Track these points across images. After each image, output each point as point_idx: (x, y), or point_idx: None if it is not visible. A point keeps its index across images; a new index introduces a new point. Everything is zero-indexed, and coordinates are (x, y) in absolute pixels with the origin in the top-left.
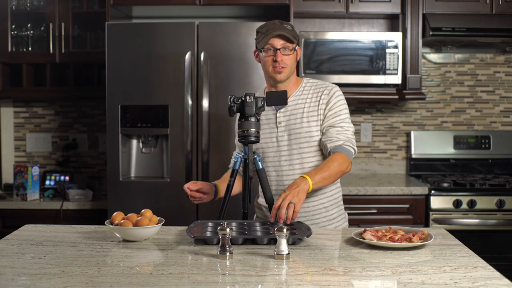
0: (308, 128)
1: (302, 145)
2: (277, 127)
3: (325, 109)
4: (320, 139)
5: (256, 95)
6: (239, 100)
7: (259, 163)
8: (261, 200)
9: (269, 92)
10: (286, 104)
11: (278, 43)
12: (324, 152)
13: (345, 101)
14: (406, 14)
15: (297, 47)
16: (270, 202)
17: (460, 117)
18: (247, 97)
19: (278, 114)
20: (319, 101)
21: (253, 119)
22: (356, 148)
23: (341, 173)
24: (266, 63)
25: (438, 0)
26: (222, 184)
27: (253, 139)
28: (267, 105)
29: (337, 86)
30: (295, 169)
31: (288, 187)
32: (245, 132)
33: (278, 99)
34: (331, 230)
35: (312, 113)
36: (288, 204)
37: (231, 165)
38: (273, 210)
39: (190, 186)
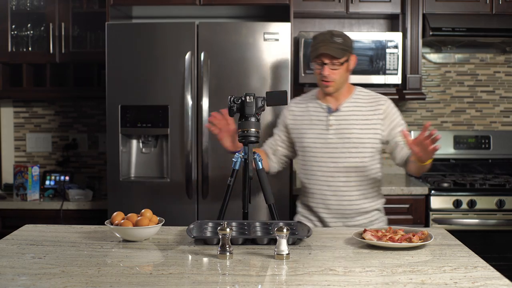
0: (359, 134)
1: (351, 150)
2: (327, 129)
3: (384, 121)
4: (377, 147)
5: (256, 95)
6: (239, 100)
7: (259, 163)
8: (304, 200)
9: (269, 92)
10: (286, 104)
11: (325, 59)
12: (397, 156)
13: (397, 110)
14: (406, 14)
15: (349, 58)
16: (270, 201)
17: (460, 117)
18: (247, 97)
19: (330, 117)
20: (376, 111)
21: (253, 119)
22: None
23: (424, 171)
24: (316, 75)
25: (438, 0)
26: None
27: (253, 139)
28: (267, 105)
29: (387, 98)
30: (340, 171)
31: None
32: (245, 132)
33: (278, 99)
34: (331, 230)
35: (368, 121)
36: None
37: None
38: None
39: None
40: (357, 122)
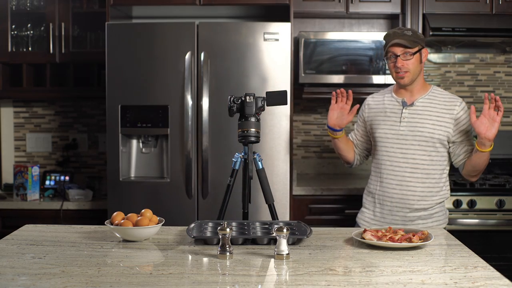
0: (432, 129)
1: (421, 143)
2: (400, 122)
3: (456, 121)
4: (445, 145)
5: (256, 95)
6: (239, 100)
7: (259, 163)
8: (371, 187)
9: (269, 92)
10: (286, 104)
11: (398, 50)
12: (459, 156)
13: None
14: (406, 14)
15: (422, 50)
16: (270, 201)
17: None
18: (247, 97)
19: (404, 110)
20: (450, 111)
21: (253, 119)
22: None
23: (479, 170)
24: (390, 70)
25: (438, 0)
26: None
27: (253, 139)
28: (267, 105)
29: (462, 100)
30: (408, 163)
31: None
32: (245, 132)
33: (278, 99)
34: (331, 230)
35: (440, 118)
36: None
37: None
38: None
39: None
40: (430, 118)
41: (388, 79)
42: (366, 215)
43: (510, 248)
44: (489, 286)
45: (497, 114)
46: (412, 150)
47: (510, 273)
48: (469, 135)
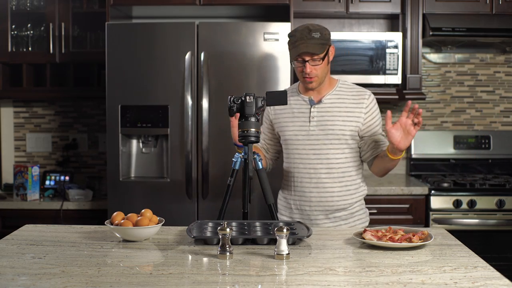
0: (342, 126)
1: (333, 141)
2: (309, 121)
3: (366, 115)
4: (357, 140)
5: (256, 95)
6: (239, 100)
7: (259, 163)
8: (285, 193)
9: (269, 92)
10: (286, 104)
11: (306, 56)
12: (367, 153)
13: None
14: (406, 14)
15: (329, 49)
16: (270, 201)
17: (460, 117)
18: (247, 97)
19: (312, 109)
20: (360, 105)
21: (253, 119)
22: None
23: (388, 170)
24: (297, 73)
25: (438, 0)
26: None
27: (253, 139)
28: (267, 105)
29: (371, 92)
30: (323, 163)
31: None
32: (245, 132)
33: (278, 99)
34: (331, 230)
35: (350, 113)
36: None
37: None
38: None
39: None
40: (339, 114)
41: (388, 79)
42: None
43: (510, 248)
44: (489, 286)
45: (414, 127)
46: (325, 149)
47: (510, 273)
48: (377, 131)
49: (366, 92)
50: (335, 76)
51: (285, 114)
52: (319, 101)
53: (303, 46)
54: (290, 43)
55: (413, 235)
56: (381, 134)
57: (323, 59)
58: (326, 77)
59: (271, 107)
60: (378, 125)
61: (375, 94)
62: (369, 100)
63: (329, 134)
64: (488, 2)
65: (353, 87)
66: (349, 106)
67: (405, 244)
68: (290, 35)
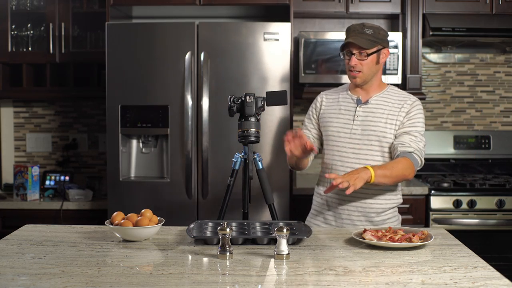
0: (383, 128)
1: (373, 143)
2: (353, 120)
3: (404, 117)
4: (392, 143)
5: (256, 95)
6: (239, 100)
7: (259, 163)
8: (321, 189)
9: (269, 92)
10: (286, 104)
11: (353, 48)
12: (392, 155)
13: (423, 115)
14: (406, 14)
15: (382, 50)
16: (270, 201)
17: (460, 117)
18: (247, 97)
19: (358, 108)
20: (401, 108)
21: (253, 119)
22: (423, 161)
23: (403, 178)
24: (346, 66)
25: (438, 0)
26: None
27: (253, 139)
28: (267, 105)
29: (418, 99)
30: (360, 164)
31: (348, 173)
32: (245, 132)
33: (278, 99)
34: (331, 230)
35: (392, 116)
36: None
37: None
38: (330, 186)
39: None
40: (382, 116)
41: (388, 79)
42: (318, 219)
43: (510, 248)
44: (489, 286)
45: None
46: (365, 150)
47: (510, 273)
48: (408, 130)
49: (411, 98)
50: (383, 80)
51: (332, 110)
52: (366, 102)
53: (352, 38)
54: (345, 38)
55: (413, 235)
56: (409, 134)
57: (369, 55)
58: (374, 77)
59: (320, 101)
60: (413, 126)
61: None
62: (411, 104)
63: (370, 135)
64: (488, 2)
65: (401, 93)
66: (392, 109)
67: (405, 244)
68: (346, 29)
